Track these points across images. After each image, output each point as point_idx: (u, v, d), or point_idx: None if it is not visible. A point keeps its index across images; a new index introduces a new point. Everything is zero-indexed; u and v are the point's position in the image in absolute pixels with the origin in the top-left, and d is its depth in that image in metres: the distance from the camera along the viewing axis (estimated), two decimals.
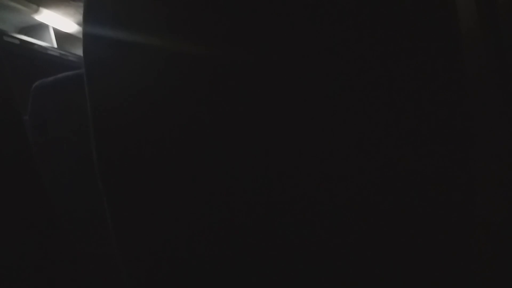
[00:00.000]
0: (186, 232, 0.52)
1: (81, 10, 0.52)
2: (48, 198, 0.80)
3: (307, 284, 0.51)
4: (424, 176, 0.48)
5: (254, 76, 0.48)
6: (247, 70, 0.49)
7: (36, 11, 3.10)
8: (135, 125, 0.51)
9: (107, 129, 0.51)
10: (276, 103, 0.49)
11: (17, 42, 2.47)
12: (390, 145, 0.48)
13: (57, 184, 0.94)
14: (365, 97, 0.48)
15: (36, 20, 3.25)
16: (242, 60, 0.48)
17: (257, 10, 0.48)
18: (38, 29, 3.38)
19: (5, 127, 0.75)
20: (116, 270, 0.56)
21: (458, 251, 0.50)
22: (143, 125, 0.51)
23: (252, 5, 0.48)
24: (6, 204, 0.73)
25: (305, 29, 0.47)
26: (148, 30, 0.50)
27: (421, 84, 0.48)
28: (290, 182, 0.49)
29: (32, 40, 2.68)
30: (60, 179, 0.95)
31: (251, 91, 0.49)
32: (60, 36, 3.59)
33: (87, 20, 0.51)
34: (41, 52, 2.71)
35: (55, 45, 3.37)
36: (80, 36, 0.53)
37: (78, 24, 3.47)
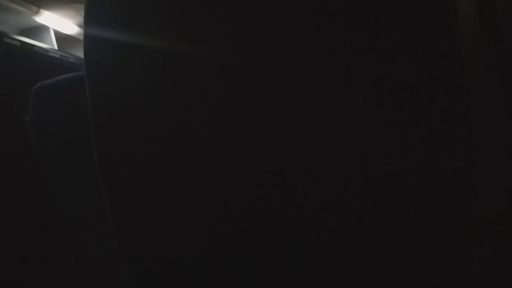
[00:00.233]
0: (186, 232, 0.52)
1: (81, 12, 0.52)
2: (49, 199, 0.80)
3: (308, 284, 0.51)
4: (425, 176, 0.48)
5: (255, 77, 0.49)
6: (248, 71, 0.49)
7: (37, 12, 3.10)
8: (136, 126, 0.51)
9: (108, 130, 0.51)
10: (277, 104, 0.49)
11: (18, 43, 2.47)
12: (391, 146, 0.48)
13: (58, 186, 0.94)
14: (366, 97, 0.48)
15: (36, 21, 3.25)
16: (243, 62, 0.49)
17: (258, 11, 0.48)
18: (39, 30, 3.38)
19: (6, 129, 0.75)
20: (117, 271, 0.56)
21: (459, 251, 0.50)
22: (144, 126, 0.51)
23: (253, 6, 0.48)
24: (7, 205, 0.73)
25: (305, 30, 0.47)
26: (149, 31, 0.50)
27: (421, 84, 0.48)
28: (291, 182, 0.49)
29: (32, 41, 2.68)
30: (61, 180, 0.95)
31: (252, 92, 0.49)
32: (61, 37, 3.59)
33: (88, 22, 0.51)
34: (41, 54, 2.71)
35: (56, 47, 3.37)
36: (81, 38, 0.53)
37: (79, 26, 3.47)
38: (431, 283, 0.50)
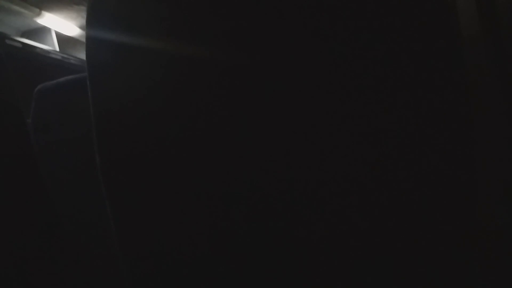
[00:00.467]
0: (187, 233, 0.52)
1: (83, 14, 0.52)
2: (50, 200, 0.80)
3: (307, 284, 0.51)
4: (425, 177, 0.48)
5: (256, 78, 0.49)
6: (249, 72, 0.49)
7: (39, 14, 3.10)
8: (138, 128, 0.51)
9: (110, 132, 0.51)
10: (277, 105, 0.49)
11: (20, 45, 2.48)
12: (391, 146, 0.48)
13: (59, 187, 0.95)
14: (366, 98, 0.48)
15: (38, 23, 3.25)
16: (244, 63, 0.49)
17: (260, 12, 0.48)
18: (40, 32, 3.38)
19: (8, 130, 0.75)
20: (117, 271, 0.56)
21: (459, 252, 0.50)
22: (146, 128, 0.51)
23: (255, 7, 0.48)
24: (8, 206, 0.73)
25: (305, 31, 0.47)
26: (151, 33, 0.50)
27: (422, 85, 0.48)
28: (291, 182, 0.49)
29: (34, 43, 2.69)
30: (62, 182, 0.95)
31: (253, 93, 0.49)
32: (62, 39, 3.59)
33: (90, 23, 0.51)
34: (43, 56, 2.72)
35: (57, 49, 3.38)
36: (82, 39, 0.53)
37: (80, 27, 3.48)
38: (432, 284, 0.50)
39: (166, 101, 0.50)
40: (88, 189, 0.91)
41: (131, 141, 0.51)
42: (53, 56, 2.85)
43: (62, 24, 3.39)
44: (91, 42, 0.51)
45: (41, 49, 2.73)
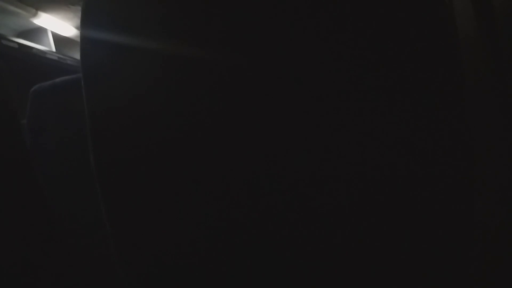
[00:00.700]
0: (183, 233, 0.52)
1: (79, 14, 0.52)
2: (45, 201, 0.80)
3: (307, 284, 0.51)
4: (424, 177, 0.48)
5: (252, 78, 0.48)
6: (245, 72, 0.49)
7: (35, 15, 3.10)
8: (133, 128, 0.51)
9: (104, 132, 0.51)
10: (275, 105, 0.49)
11: (16, 46, 2.47)
12: (390, 147, 0.48)
13: (55, 187, 0.94)
14: (365, 99, 0.48)
15: (34, 24, 3.25)
16: (240, 63, 0.49)
17: (256, 13, 0.48)
18: (37, 33, 3.37)
19: (3, 131, 0.74)
20: (113, 272, 0.56)
21: (458, 252, 0.50)
22: (141, 128, 0.51)
23: (251, 8, 0.48)
24: (3, 207, 0.73)
25: (304, 31, 0.47)
26: (146, 33, 0.50)
27: (419, 85, 0.48)
28: (290, 182, 0.49)
29: (30, 44, 2.68)
30: (58, 182, 0.95)
31: (249, 93, 0.49)
32: (59, 40, 3.58)
33: (85, 24, 0.51)
34: (39, 56, 2.71)
35: (54, 49, 3.37)
36: (79, 40, 0.53)
37: (77, 28, 3.46)
38: (431, 283, 0.50)
39: (161, 101, 0.50)
40: (83, 189, 0.91)
41: (125, 141, 0.51)
42: (50, 56, 2.85)
43: (59, 25, 3.39)
44: (85, 42, 0.51)
45: (38, 49, 2.73)
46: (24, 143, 0.78)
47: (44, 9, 3.10)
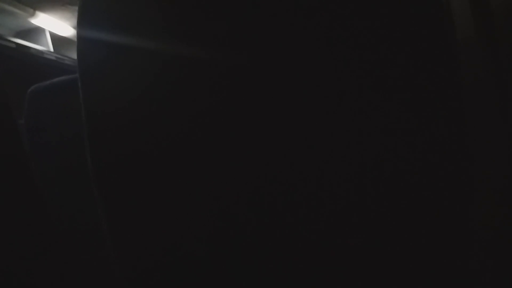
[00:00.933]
0: (182, 234, 0.52)
1: (77, 14, 0.51)
2: (42, 202, 0.80)
3: (307, 283, 0.51)
4: (424, 177, 0.48)
5: (251, 77, 0.48)
6: (244, 72, 0.48)
7: (33, 14, 3.10)
8: (130, 128, 0.51)
9: (101, 132, 0.51)
10: (275, 104, 0.49)
11: (13, 45, 2.47)
12: (389, 147, 0.48)
13: (52, 188, 0.94)
14: (364, 98, 0.48)
15: (32, 24, 3.24)
16: (239, 63, 0.48)
17: (256, 12, 0.48)
18: (35, 32, 3.37)
19: (0, 131, 0.74)
20: (112, 272, 0.56)
21: (457, 251, 0.50)
22: (138, 128, 0.50)
23: (249, 7, 0.48)
24: (0, 207, 0.72)
25: (303, 31, 0.47)
26: (143, 33, 0.50)
27: (417, 86, 0.48)
28: (289, 182, 0.49)
29: (28, 43, 2.68)
30: (55, 183, 0.95)
31: (248, 93, 0.49)
32: (56, 39, 3.58)
33: (81, 23, 0.50)
34: (37, 56, 2.71)
35: (51, 49, 3.37)
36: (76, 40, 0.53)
37: (75, 28, 3.46)
38: (431, 283, 0.50)
39: (159, 101, 0.50)
40: (81, 190, 0.91)
41: (122, 141, 0.51)
42: (47, 56, 2.84)
43: (56, 25, 3.39)
44: (82, 42, 0.51)
45: (35, 49, 2.72)
46: (21, 143, 0.78)
47: (42, 9, 3.10)
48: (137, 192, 0.51)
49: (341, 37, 0.47)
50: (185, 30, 0.48)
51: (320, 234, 0.50)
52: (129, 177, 0.51)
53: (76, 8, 0.52)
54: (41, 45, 3.08)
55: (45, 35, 3.42)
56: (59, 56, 3.01)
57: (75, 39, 0.52)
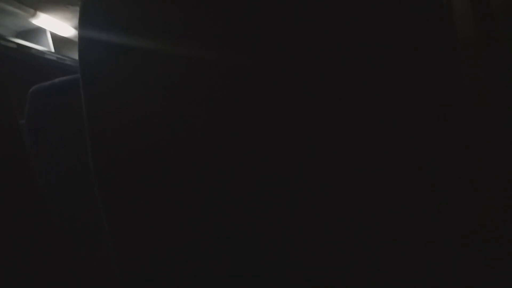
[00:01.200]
0: (182, 234, 0.52)
1: (78, 14, 0.51)
2: (44, 202, 0.80)
3: (306, 284, 0.51)
4: (424, 177, 0.48)
5: (251, 77, 0.48)
6: (244, 72, 0.49)
7: (34, 15, 3.10)
8: (131, 128, 0.51)
9: (103, 132, 0.51)
10: (275, 105, 0.49)
11: (14, 46, 2.47)
12: (389, 147, 0.48)
13: (53, 188, 0.94)
14: (364, 99, 0.48)
15: (33, 24, 3.25)
16: (238, 62, 0.49)
17: (255, 13, 0.48)
18: (36, 33, 3.37)
19: (1, 131, 0.74)
20: (112, 272, 0.56)
21: (457, 251, 0.50)
22: (139, 128, 0.51)
23: (250, 7, 0.48)
24: (1, 208, 0.73)
25: (303, 31, 0.47)
26: (144, 33, 0.50)
27: (418, 86, 0.48)
28: (289, 182, 0.49)
29: (29, 44, 2.68)
30: (57, 183, 0.95)
31: (248, 93, 0.49)
32: (58, 40, 3.58)
33: (83, 24, 0.50)
34: (38, 56, 2.71)
35: (52, 49, 3.37)
36: (77, 40, 0.53)
37: (76, 28, 3.46)
38: (431, 283, 0.50)
39: (160, 102, 0.50)
40: (82, 190, 0.91)
41: (124, 142, 0.51)
42: (48, 57, 2.85)
43: (57, 25, 3.39)
44: (83, 43, 0.51)
45: (36, 49, 2.73)
46: (22, 144, 0.78)
47: (43, 10, 3.10)
48: (137, 192, 0.51)
49: (341, 37, 0.47)
50: (185, 30, 0.48)
51: (320, 234, 0.50)
52: (129, 177, 0.51)
53: (77, 8, 0.52)
54: (42, 46, 3.08)
55: (46, 35, 3.43)
56: (60, 57, 3.01)
57: (76, 40, 0.52)
